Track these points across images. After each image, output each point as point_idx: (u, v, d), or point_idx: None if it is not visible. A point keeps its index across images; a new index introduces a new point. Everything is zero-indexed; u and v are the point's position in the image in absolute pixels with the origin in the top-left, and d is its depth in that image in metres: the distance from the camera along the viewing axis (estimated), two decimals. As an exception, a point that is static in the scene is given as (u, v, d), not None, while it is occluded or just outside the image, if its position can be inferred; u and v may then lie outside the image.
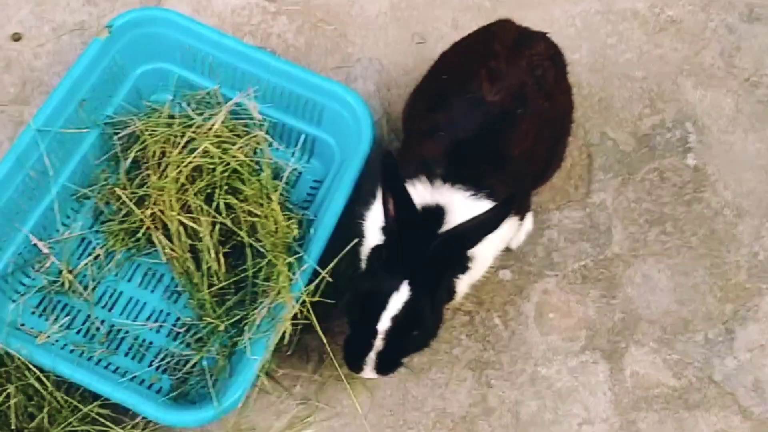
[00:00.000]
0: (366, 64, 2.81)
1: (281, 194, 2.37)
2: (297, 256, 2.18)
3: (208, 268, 2.28)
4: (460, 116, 1.99)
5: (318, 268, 2.10)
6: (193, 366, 2.26)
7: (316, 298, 2.08)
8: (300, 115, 2.54)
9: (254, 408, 2.23)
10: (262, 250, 2.23)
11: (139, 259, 2.41)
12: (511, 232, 2.17)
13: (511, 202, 1.80)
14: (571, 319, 2.44)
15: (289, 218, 2.29)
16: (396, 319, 1.79)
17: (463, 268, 1.94)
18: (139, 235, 2.36)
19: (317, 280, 2.09)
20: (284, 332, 2.09)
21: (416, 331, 1.85)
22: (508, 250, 2.45)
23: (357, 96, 2.41)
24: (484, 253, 1.97)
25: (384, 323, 1.80)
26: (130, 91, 2.56)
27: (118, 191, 2.37)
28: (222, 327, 2.21)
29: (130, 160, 2.43)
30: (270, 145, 2.44)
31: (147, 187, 2.35)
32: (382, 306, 1.79)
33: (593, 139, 2.74)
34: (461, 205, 1.87)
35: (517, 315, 2.43)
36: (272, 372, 2.26)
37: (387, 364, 1.88)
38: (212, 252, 2.27)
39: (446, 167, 1.92)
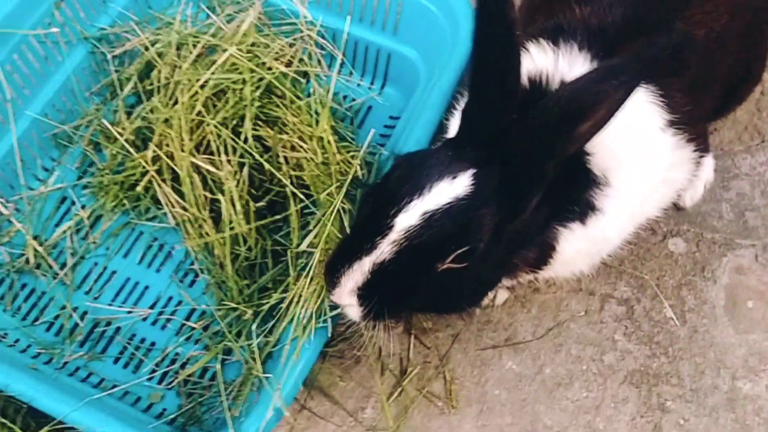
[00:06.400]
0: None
1: (342, 131, 1.63)
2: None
3: (233, 233, 1.51)
4: None
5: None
6: (213, 378, 1.49)
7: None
8: (368, 20, 1.76)
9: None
10: (309, 200, 1.47)
11: (140, 225, 1.67)
12: (682, 176, 1.43)
13: (662, 50, 1.09)
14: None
15: (350, 153, 1.52)
16: (430, 219, 1.12)
17: (584, 210, 1.26)
18: (139, 188, 1.62)
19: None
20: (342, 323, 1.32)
21: (459, 252, 1.14)
22: (678, 208, 1.77)
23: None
24: (627, 181, 1.27)
25: (409, 218, 1.13)
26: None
27: (109, 126, 1.64)
28: (249, 314, 1.44)
29: (129, 88, 1.70)
30: (318, 60, 1.69)
31: (149, 122, 1.61)
32: (416, 192, 1.13)
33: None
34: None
35: (699, 304, 1.71)
36: (327, 389, 1.57)
37: (386, 294, 1.19)
38: (239, 207, 1.51)
39: (591, 35, 1.29)
